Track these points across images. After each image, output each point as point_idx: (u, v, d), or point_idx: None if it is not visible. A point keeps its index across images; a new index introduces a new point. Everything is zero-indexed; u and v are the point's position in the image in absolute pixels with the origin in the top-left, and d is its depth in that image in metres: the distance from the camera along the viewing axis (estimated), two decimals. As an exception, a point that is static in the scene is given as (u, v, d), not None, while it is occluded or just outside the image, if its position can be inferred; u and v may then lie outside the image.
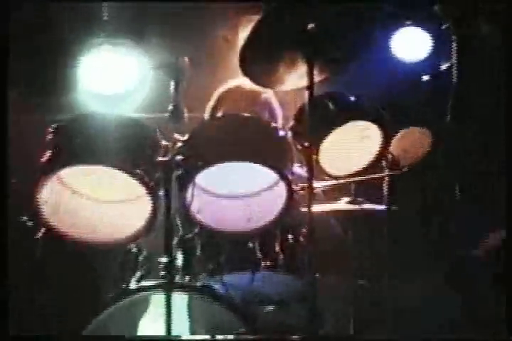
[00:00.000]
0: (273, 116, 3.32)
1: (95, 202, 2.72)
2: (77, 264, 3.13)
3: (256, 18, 2.50)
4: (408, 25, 4.20)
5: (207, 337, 2.60)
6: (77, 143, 2.51)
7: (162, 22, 4.01)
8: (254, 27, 2.50)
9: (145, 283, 2.71)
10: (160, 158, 2.58)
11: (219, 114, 3.27)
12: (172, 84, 2.57)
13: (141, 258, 2.91)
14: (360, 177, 2.97)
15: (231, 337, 2.56)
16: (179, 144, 2.62)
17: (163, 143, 2.64)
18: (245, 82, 3.09)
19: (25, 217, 2.61)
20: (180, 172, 2.57)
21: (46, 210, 2.55)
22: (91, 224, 2.66)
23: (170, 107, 2.56)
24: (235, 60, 2.61)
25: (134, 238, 2.63)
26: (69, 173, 2.61)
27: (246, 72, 2.64)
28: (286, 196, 2.60)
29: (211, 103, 3.37)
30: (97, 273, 3.12)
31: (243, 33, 4.08)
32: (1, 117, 2.47)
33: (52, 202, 2.57)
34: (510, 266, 2.60)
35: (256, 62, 2.60)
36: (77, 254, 3.01)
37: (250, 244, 2.94)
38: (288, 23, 2.49)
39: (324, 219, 3.13)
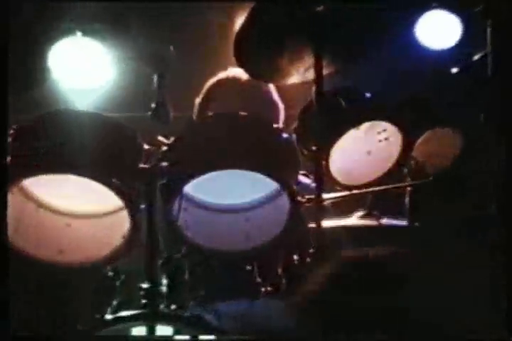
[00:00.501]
0: (275, 115, 3.32)
1: (64, 217, 2.73)
2: (42, 290, 3.13)
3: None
4: (435, 7, 4.20)
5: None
6: (42, 148, 2.53)
7: (144, 6, 4.02)
8: (250, 11, 2.51)
9: (123, 313, 2.71)
10: (141, 165, 2.59)
11: (209, 112, 3.26)
12: (155, 78, 2.58)
13: (118, 283, 2.90)
14: (377, 188, 2.98)
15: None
16: (164, 148, 2.64)
17: (145, 147, 2.65)
18: (240, 72, 3.09)
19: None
20: (165, 181, 2.58)
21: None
22: (59, 243, 2.67)
23: (153, 105, 2.58)
24: (229, 50, 2.63)
25: (110, 259, 2.65)
26: (32, 183, 2.62)
27: (242, 64, 2.65)
28: (290, 209, 2.61)
29: (199, 98, 3.35)
30: (66, 301, 3.12)
31: (240, 19, 4.09)
32: (1, 117, 2.51)
33: (13, 216, 2.57)
34: (510, 265, 2.68)
35: (254, 51, 2.62)
36: (41, 278, 3.01)
37: (248, 266, 2.94)
38: (290, 6, 2.51)
39: (335, 236, 3.13)
